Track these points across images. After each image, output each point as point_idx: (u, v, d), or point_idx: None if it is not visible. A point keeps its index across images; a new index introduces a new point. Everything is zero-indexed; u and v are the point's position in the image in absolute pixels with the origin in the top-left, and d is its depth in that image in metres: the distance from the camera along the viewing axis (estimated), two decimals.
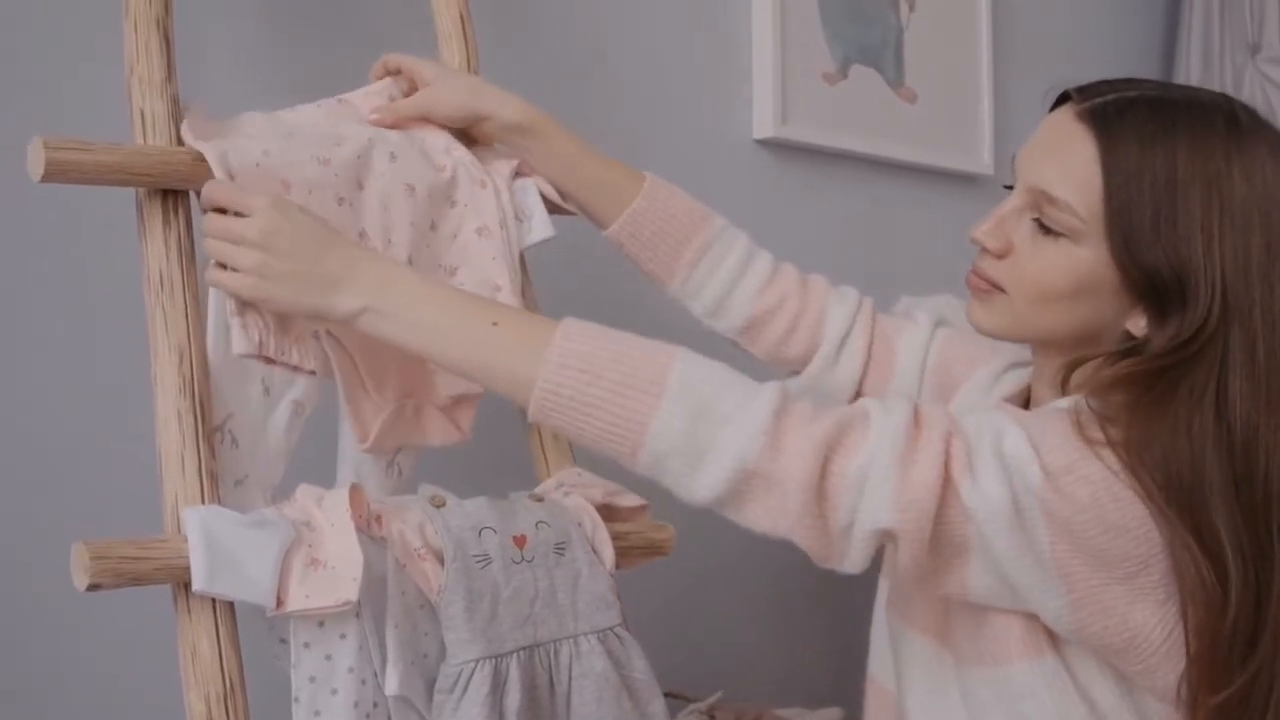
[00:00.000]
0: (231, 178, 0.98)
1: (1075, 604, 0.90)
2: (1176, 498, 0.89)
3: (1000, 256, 0.99)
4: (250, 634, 0.97)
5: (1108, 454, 0.90)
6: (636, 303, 1.66)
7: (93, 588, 0.87)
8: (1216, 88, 2.31)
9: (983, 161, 2.12)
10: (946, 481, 0.87)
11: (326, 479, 1.08)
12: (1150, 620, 0.90)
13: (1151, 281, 0.93)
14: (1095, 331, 0.99)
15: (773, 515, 0.89)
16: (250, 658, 0.96)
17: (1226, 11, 2.33)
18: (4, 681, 1.19)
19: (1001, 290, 0.99)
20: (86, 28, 1.23)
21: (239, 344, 0.97)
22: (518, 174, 1.21)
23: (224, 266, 0.95)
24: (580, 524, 1.11)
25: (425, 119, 1.16)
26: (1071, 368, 0.98)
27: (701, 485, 0.89)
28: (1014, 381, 1.13)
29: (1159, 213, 0.92)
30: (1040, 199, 0.97)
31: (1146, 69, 2.49)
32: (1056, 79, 2.24)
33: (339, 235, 0.97)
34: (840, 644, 1.93)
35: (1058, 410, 0.95)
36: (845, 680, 1.93)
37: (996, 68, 2.16)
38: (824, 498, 0.88)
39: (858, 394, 1.21)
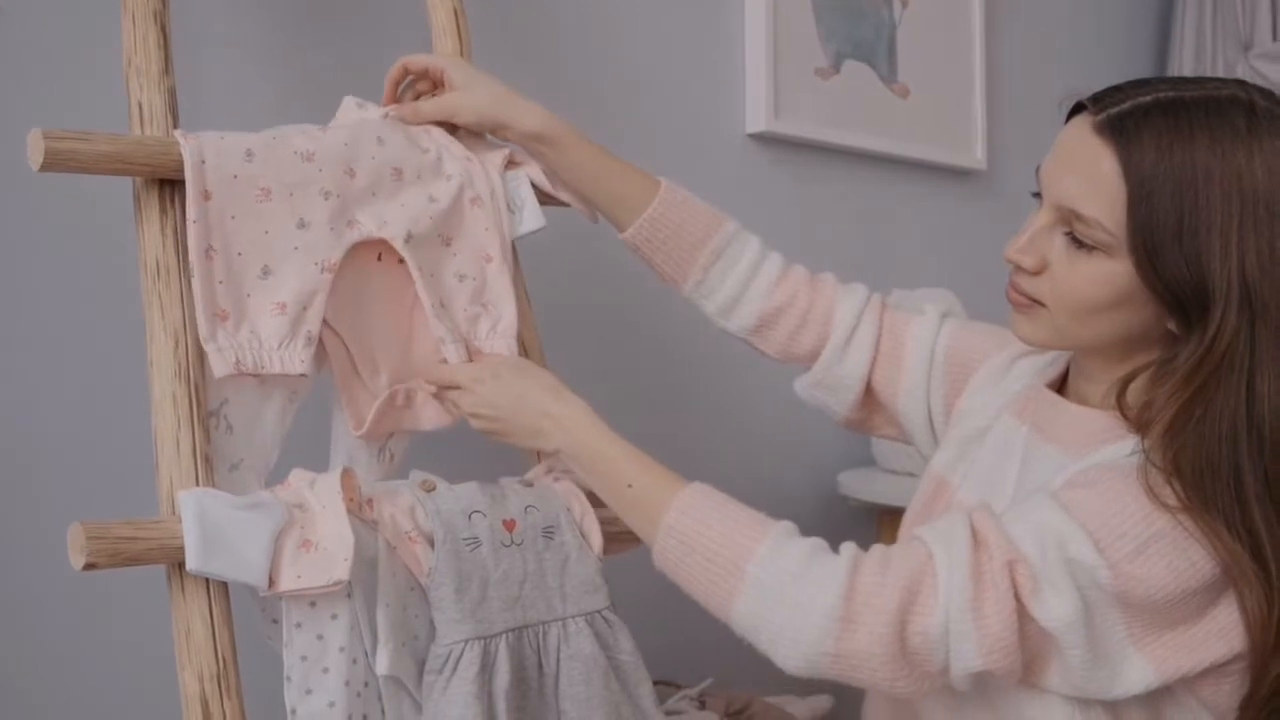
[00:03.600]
0: (208, 197, 1.01)
1: (1160, 665, 0.91)
2: (1232, 524, 0.90)
3: (1036, 273, 0.99)
4: (244, 615, 0.99)
5: (1185, 518, 0.90)
6: (628, 288, 1.69)
7: (89, 567, 0.89)
8: None
9: (975, 157, 2.14)
10: (1020, 611, 0.89)
11: (321, 464, 1.10)
12: (1229, 636, 0.92)
13: (1174, 292, 0.93)
14: (1138, 336, 0.99)
15: (867, 681, 0.92)
16: (244, 638, 0.98)
17: (1219, 8, 2.35)
18: (3, 664, 1.22)
19: (1041, 305, 1.00)
20: (87, 21, 1.25)
21: (217, 367, 1.00)
22: (509, 164, 1.23)
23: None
24: (569, 509, 1.13)
25: (447, 121, 1.20)
26: (1125, 384, 0.98)
27: (789, 663, 0.94)
28: (1029, 369, 1.15)
29: (1181, 221, 0.91)
30: (1069, 216, 0.96)
31: (1139, 65, 2.50)
32: (1049, 76, 2.26)
33: (533, 385, 1.11)
34: None
35: (1122, 473, 0.94)
36: None
37: (989, 64, 2.18)
38: (910, 656, 0.90)
39: (867, 385, 1.22)
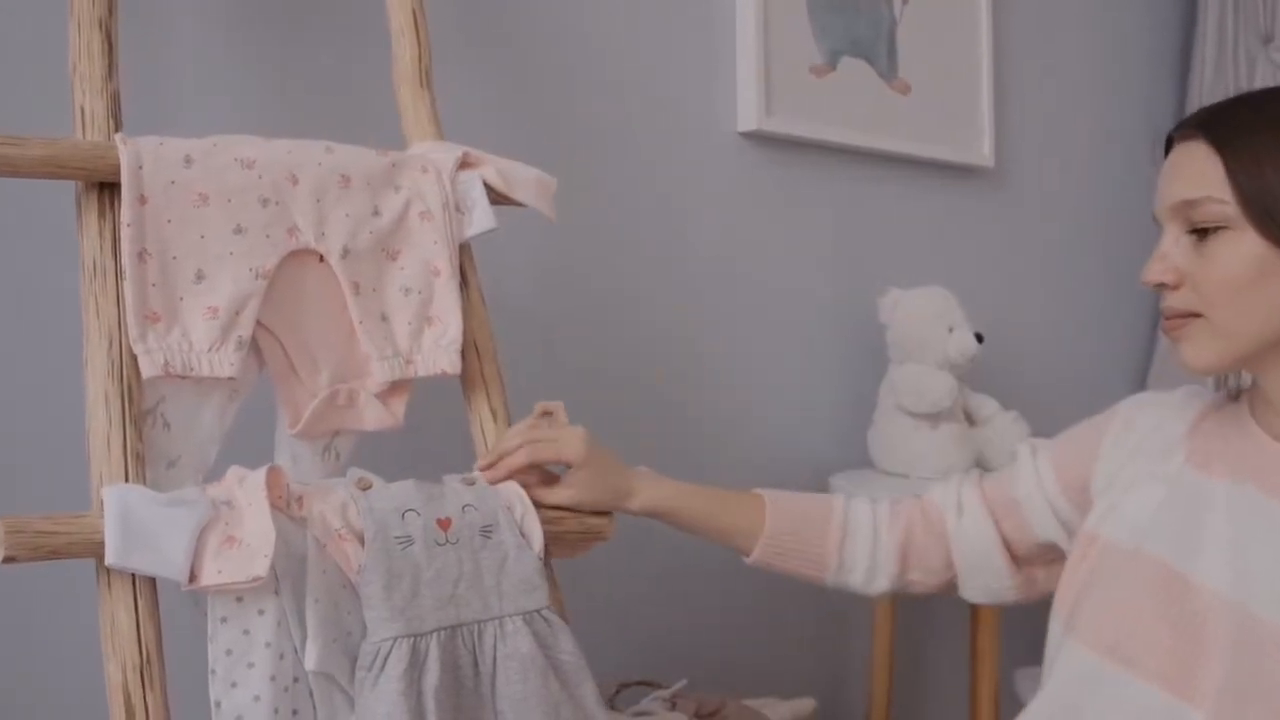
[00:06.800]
0: (144, 201, 1.03)
1: None
2: None
3: (1177, 287, 1.01)
4: (174, 608, 1.01)
5: None
6: (609, 289, 1.69)
7: (8, 560, 0.91)
8: (1230, 75, 2.27)
9: (982, 153, 2.10)
10: None
11: (267, 462, 1.11)
12: None
13: None
14: None
15: None
16: (173, 631, 1.00)
17: (1241, 2, 2.30)
18: None
19: (1195, 315, 1.00)
20: (39, 26, 1.28)
21: (146, 368, 1.02)
22: (463, 165, 1.23)
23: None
24: (510, 508, 1.13)
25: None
26: None
27: None
28: (1157, 417, 1.13)
29: None
30: (1185, 210, 1.00)
31: (1160, 59, 2.45)
32: (1061, 68, 2.21)
33: None
34: (817, 635, 1.93)
35: None
36: (820, 671, 1.93)
37: (997, 57, 2.14)
38: None
39: (1005, 544, 1.24)
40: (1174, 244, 1.02)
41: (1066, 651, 1.07)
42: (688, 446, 1.78)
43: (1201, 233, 0.99)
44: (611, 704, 1.56)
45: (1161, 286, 1.02)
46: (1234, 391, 1.11)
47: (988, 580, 1.25)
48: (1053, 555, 1.24)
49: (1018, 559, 1.25)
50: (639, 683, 1.59)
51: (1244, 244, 0.97)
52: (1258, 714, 0.93)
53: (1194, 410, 1.11)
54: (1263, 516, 0.99)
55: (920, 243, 2.05)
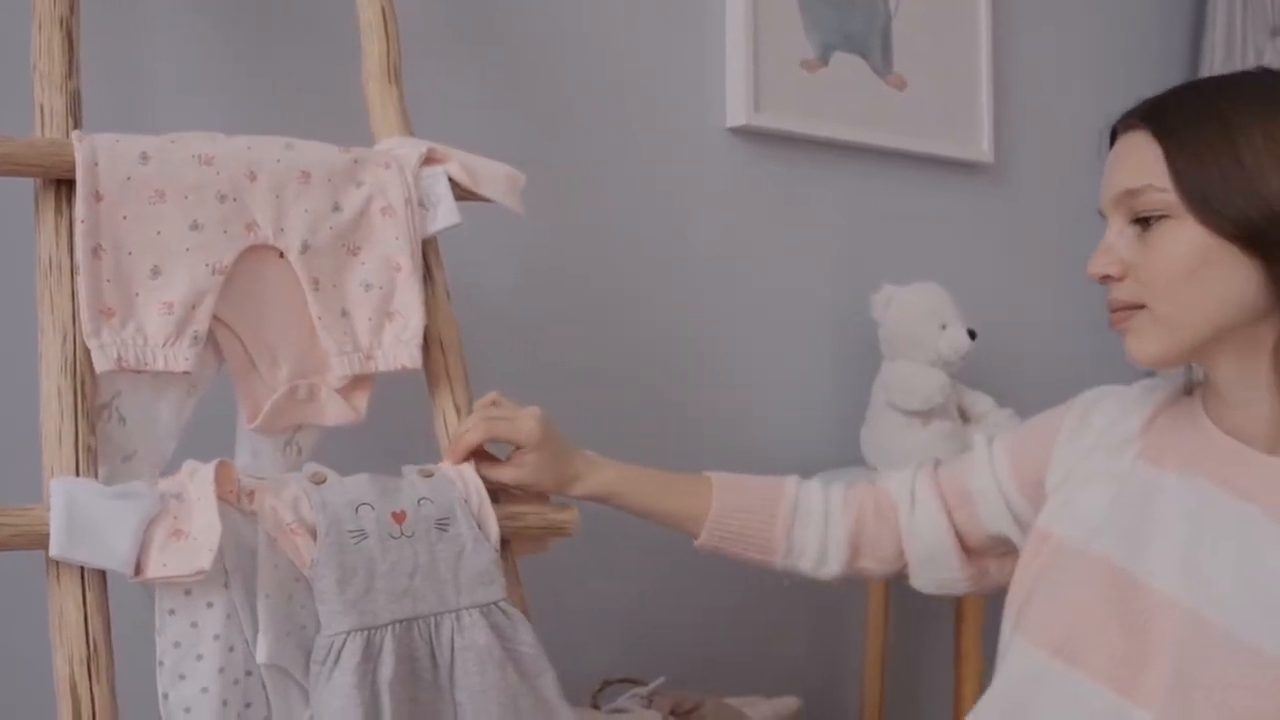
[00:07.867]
0: (99, 198, 1.04)
1: None
2: None
3: (1122, 278, 1.01)
4: (128, 602, 1.02)
5: None
6: (608, 287, 1.68)
7: None
8: (1239, 68, 2.24)
9: (981, 149, 2.08)
10: None
11: (229, 456, 1.12)
12: None
13: (1247, 231, 0.93)
14: (1249, 305, 0.96)
15: None
16: (124, 624, 1.01)
17: None
18: None
19: (1139, 306, 1.00)
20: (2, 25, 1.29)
21: (99, 363, 1.03)
22: (428, 160, 1.24)
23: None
24: (466, 500, 1.13)
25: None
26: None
27: None
28: (1113, 411, 1.12)
29: (1222, 163, 0.94)
30: (1126, 200, 0.99)
31: (1167, 51, 2.41)
32: (1066, 60, 2.18)
33: None
34: (807, 633, 1.92)
35: None
36: (809, 670, 1.92)
37: (996, 51, 2.12)
38: None
39: (957, 536, 1.23)
40: (1118, 235, 1.01)
41: (1015, 650, 1.06)
42: (686, 447, 1.77)
43: (1144, 223, 0.99)
44: (594, 701, 1.56)
45: (1107, 279, 1.02)
46: (1188, 385, 1.09)
47: (939, 572, 1.24)
48: (1005, 548, 1.22)
49: (970, 551, 1.23)
50: (623, 680, 1.59)
51: (1185, 233, 0.96)
52: (1204, 714, 0.92)
53: (1150, 405, 1.10)
54: (1214, 510, 0.98)
55: (917, 240, 2.03)
